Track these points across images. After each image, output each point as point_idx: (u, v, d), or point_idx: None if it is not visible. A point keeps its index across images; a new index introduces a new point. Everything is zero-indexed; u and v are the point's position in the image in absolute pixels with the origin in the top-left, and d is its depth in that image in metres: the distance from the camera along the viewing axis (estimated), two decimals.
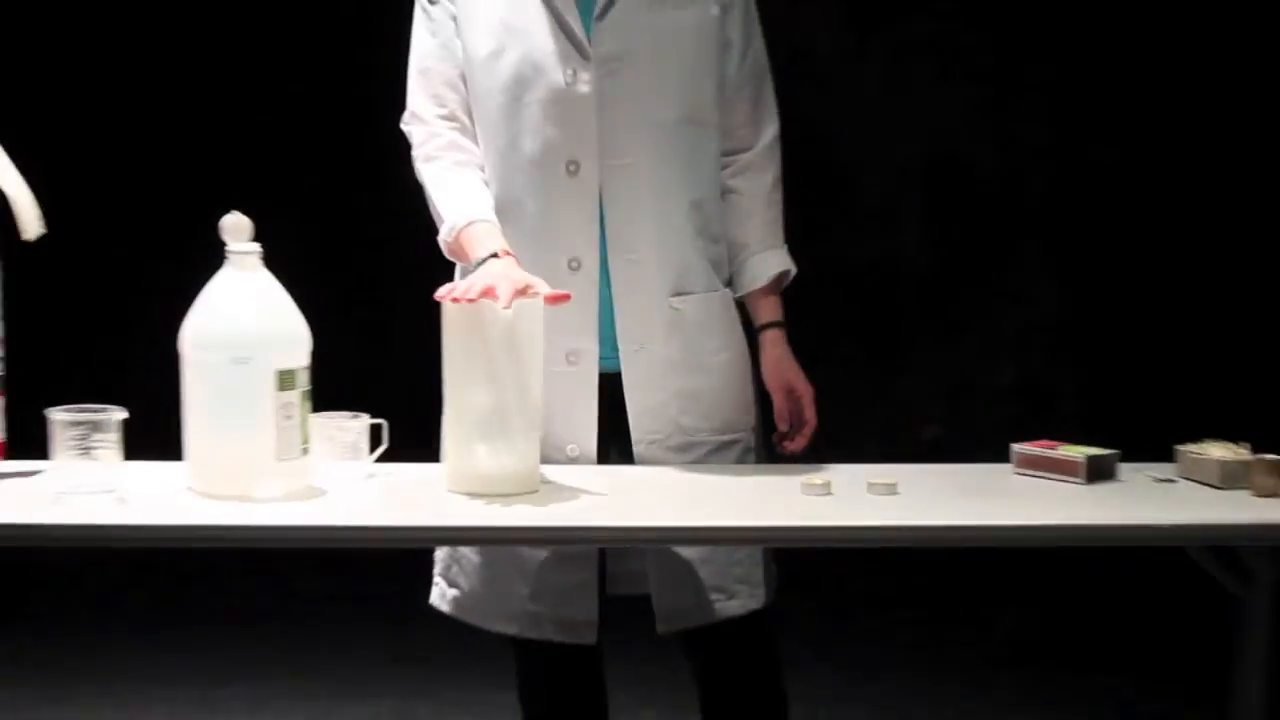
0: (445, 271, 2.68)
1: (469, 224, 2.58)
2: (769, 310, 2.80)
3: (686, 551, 2.68)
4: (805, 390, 2.79)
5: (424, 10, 2.71)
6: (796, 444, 2.80)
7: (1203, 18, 5.75)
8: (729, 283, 2.78)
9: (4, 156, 2.48)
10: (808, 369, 2.83)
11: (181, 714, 4.00)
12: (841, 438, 3.01)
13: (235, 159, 5.69)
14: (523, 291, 2.39)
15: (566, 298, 2.48)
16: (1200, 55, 5.79)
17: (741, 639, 2.77)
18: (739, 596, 2.72)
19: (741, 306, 2.81)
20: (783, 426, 2.80)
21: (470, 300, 2.37)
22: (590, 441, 2.68)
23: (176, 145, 5.84)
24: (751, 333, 2.82)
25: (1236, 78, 5.80)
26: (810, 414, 2.79)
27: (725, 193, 2.78)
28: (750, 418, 2.78)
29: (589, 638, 2.71)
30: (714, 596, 2.70)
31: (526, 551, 2.67)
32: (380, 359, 3.24)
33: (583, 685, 2.89)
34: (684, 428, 2.70)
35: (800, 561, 2.86)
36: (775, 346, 2.80)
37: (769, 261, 2.78)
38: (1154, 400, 5.22)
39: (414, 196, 2.74)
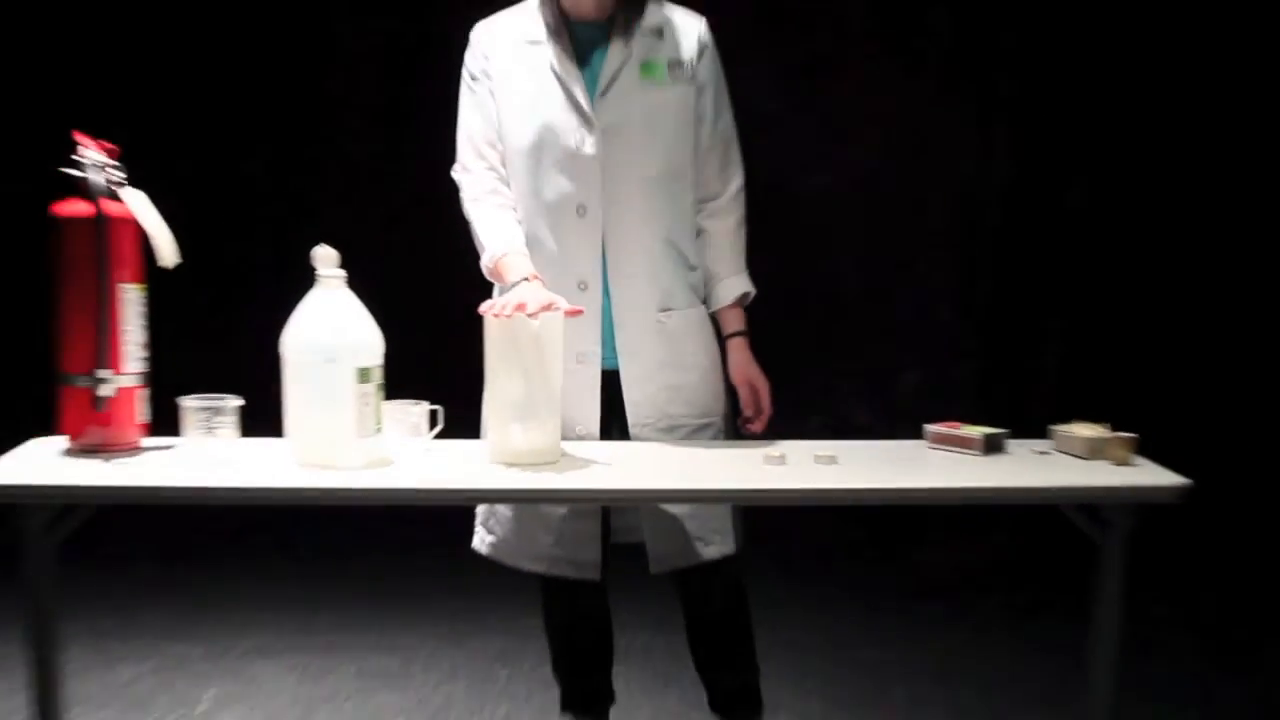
0: (485, 289, 2.70)
1: (505, 254, 2.61)
2: (734, 322, 2.82)
3: (673, 508, 2.73)
4: (763, 385, 2.81)
5: (469, 87, 2.73)
6: (757, 426, 2.82)
7: (1101, 43, 5.35)
8: (705, 301, 2.79)
9: (146, 200, 2.50)
10: (764, 367, 2.85)
11: (287, 636, 3.98)
12: (792, 420, 3.03)
13: (330, 188, 5.62)
14: (547, 307, 2.42)
15: (580, 312, 2.50)
16: (1097, 75, 5.37)
17: (716, 576, 2.81)
18: (714, 544, 2.76)
19: (715, 319, 2.83)
20: (748, 412, 2.82)
21: (507, 315, 2.39)
22: (594, 424, 2.71)
23: (278, 180, 5.73)
24: (722, 340, 2.84)
25: (1117, 96, 5.38)
26: (767, 404, 2.82)
27: (699, 231, 2.79)
28: (721, 405, 2.81)
29: (596, 575, 2.76)
30: (695, 544, 2.74)
31: (548, 507, 2.72)
32: (436, 359, 3.25)
33: (592, 611, 2.94)
34: (669, 414, 2.73)
35: (763, 517, 2.88)
36: (740, 351, 2.81)
37: (733, 285, 2.79)
38: (1033, 389, 5.23)
39: (463, 231, 2.76)
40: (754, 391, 2.81)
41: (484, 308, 2.44)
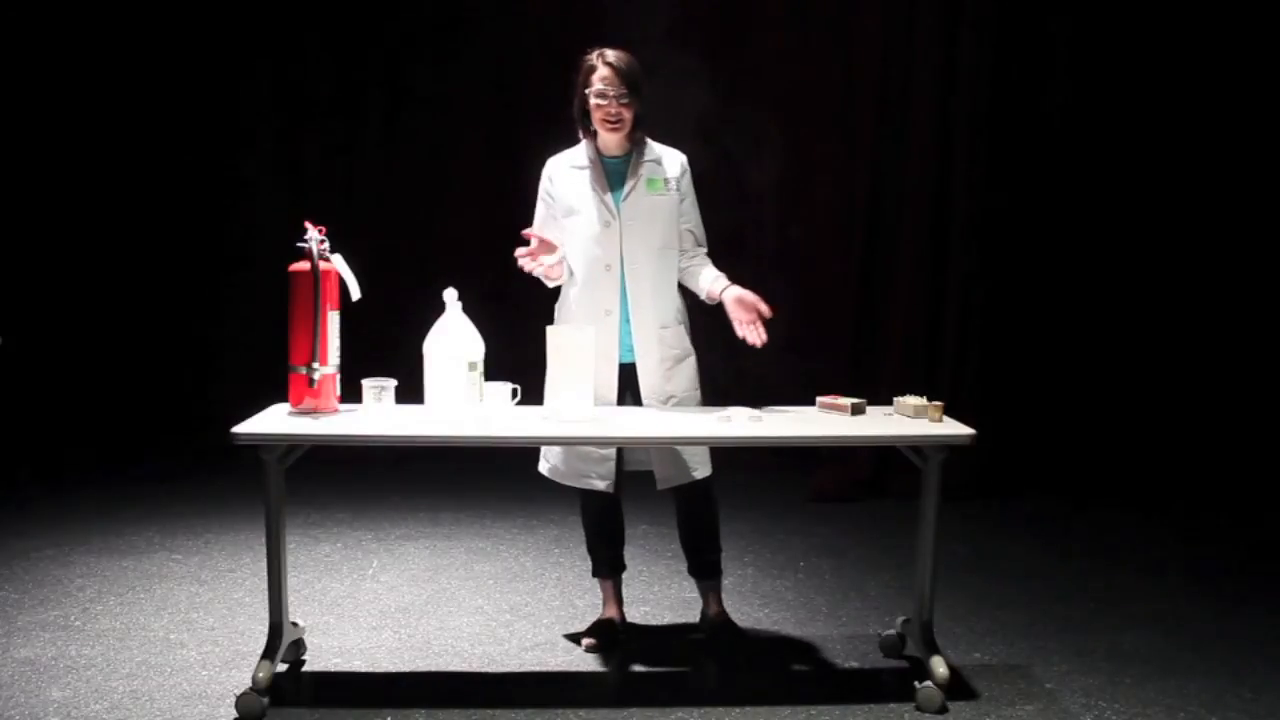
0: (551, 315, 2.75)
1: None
2: (723, 282, 2.71)
3: (670, 448, 2.74)
4: (754, 298, 2.64)
5: (543, 192, 2.77)
6: (760, 331, 2.63)
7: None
8: (702, 293, 2.75)
9: (342, 260, 2.53)
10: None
11: (421, 526, 3.90)
12: (734, 397, 2.99)
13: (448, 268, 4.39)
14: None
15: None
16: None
17: (698, 490, 2.81)
18: (698, 470, 2.76)
19: (693, 327, 2.79)
20: (754, 315, 2.63)
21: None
22: (613, 397, 2.72)
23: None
24: (697, 337, 2.81)
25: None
26: (764, 307, 2.61)
27: (689, 265, 2.75)
28: (697, 385, 2.80)
29: (611, 489, 2.78)
30: (685, 469, 2.75)
31: (582, 446, 2.73)
32: (518, 356, 3.14)
33: (610, 511, 2.92)
34: (666, 390, 2.74)
35: (722, 454, 2.86)
36: (731, 290, 2.67)
37: (713, 274, 2.74)
38: (882, 376, 4.31)
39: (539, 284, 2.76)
40: (748, 303, 2.65)
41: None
